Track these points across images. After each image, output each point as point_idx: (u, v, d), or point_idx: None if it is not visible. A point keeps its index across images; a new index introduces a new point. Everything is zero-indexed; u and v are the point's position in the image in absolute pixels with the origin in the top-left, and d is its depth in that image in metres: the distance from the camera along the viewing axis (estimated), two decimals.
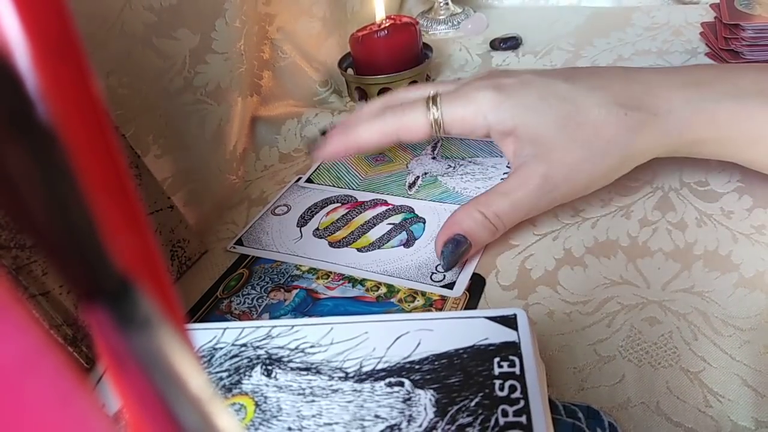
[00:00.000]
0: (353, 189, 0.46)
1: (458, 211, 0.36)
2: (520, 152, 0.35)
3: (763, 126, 0.32)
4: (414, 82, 0.57)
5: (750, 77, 0.33)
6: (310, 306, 0.36)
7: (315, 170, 0.50)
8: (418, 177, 0.46)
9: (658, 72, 0.35)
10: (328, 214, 0.44)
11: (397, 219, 0.42)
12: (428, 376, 0.25)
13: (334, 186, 0.47)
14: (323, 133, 0.40)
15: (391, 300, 0.35)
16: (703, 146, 0.34)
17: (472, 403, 0.23)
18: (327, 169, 0.49)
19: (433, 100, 0.36)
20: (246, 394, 0.26)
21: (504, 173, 0.45)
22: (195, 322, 0.36)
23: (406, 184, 0.46)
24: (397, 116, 0.37)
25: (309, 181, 0.48)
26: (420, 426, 0.23)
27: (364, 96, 0.58)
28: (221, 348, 0.28)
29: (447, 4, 0.75)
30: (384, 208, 0.43)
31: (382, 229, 0.41)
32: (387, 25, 0.57)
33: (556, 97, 0.34)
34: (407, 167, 0.48)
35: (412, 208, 0.43)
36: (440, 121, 0.36)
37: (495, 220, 0.35)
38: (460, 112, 0.36)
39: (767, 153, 0.33)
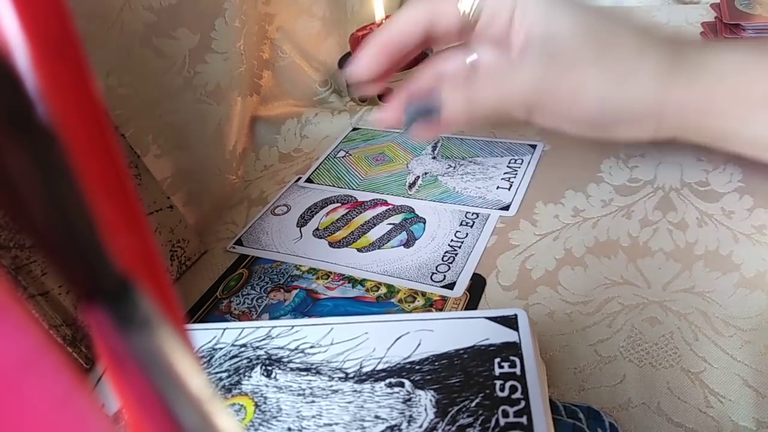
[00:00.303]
0: (353, 189, 0.46)
1: (450, 82, 0.33)
2: (530, 45, 0.31)
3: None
4: None
5: None
6: (310, 306, 0.36)
7: (315, 170, 0.50)
8: (419, 177, 0.46)
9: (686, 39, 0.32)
10: (328, 214, 0.44)
11: (397, 219, 0.42)
12: (428, 377, 0.25)
13: (334, 186, 0.47)
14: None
15: (391, 300, 0.35)
16: (709, 120, 0.31)
17: (473, 404, 0.23)
18: (327, 169, 0.49)
19: None
20: (246, 394, 0.26)
21: (504, 173, 0.45)
22: (194, 322, 0.36)
23: (407, 184, 0.45)
24: (426, 3, 0.33)
25: (309, 181, 0.48)
26: (420, 426, 0.23)
27: (364, 96, 0.58)
28: (221, 348, 0.28)
29: None
30: (384, 208, 0.43)
31: (382, 229, 0.41)
32: None
33: (599, 14, 0.32)
34: (407, 167, 0.47)
35: (413, 208, 0.43)
36: (474, 8, 0.32)
37: (474, 103, 0.33)
38: None
39: None
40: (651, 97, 0.31)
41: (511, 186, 0.43)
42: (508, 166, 0.45)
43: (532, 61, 0.31)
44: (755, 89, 0.30)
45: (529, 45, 0.31)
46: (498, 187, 0.43)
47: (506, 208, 0.41)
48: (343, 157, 0.51)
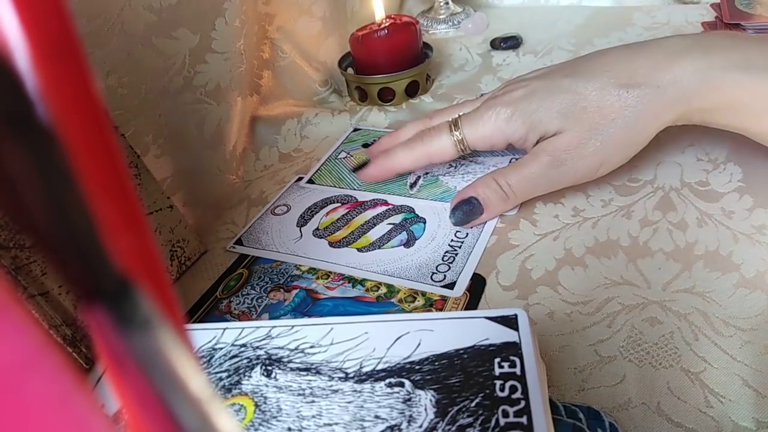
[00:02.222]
0: (354, 189, 0.46)
1: (476, 180, 0.40)
2: (533, 141, 0.38)
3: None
4: (414, 81, 0.57)
5: (760, 49, 0.33)
6: (309, 306, 0.36)
7: (316, 171, 0.50)
8: (419, 176, 0.46)
9: (664, 42, 0.36)
10: (328, 214, 0.44)
11: (397, 219, 0.42)
12: (428, 377, 0.25)
13: (335, 186, 0.47)
14: (364, 163, 0.45)
15: (391, 300, 0.35)
16: (712, 114, 0.35)
17: (473, 404, 0.23)
18: (328, 170, 0.49)
19: (455, 124, 0.40)
20: (246, 394, 0.26)
21: None
22: (194, 322, 0.36)
23: (407, 183, 0.45)
24: (426, 143, 0.41)
25: (310, 181, 0.48)
26: (420, 426, 0.23)
27: (364, 96, 0.58)
28: (221, 348, 0.28)
29: (447, 3, 0.75)
30: (384, 208, 0.43)
31: (382, 229, 0.41)
32: (387, 24, 0.57)
33: (558, 92, 0.36)
34: None
35: (413, 208, 0.43)
36: (464, 141, 0.40)
37: (507, 189, 0.39)
38: (481, 131, 0.39)
39: None
40: (635, 128, 0.36)
41: None
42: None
43: (542, 146, 0.38)
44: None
45: (538, 158, 0.38)
46: None
47: None
48: (344, 158, 0.51)
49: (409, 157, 0.41)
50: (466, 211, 0.39)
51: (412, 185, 0.45)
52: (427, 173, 0.46)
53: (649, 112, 0.35)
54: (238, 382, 0.26)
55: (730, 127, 0.36)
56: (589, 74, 0.36)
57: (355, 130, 0.54)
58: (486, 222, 0.40)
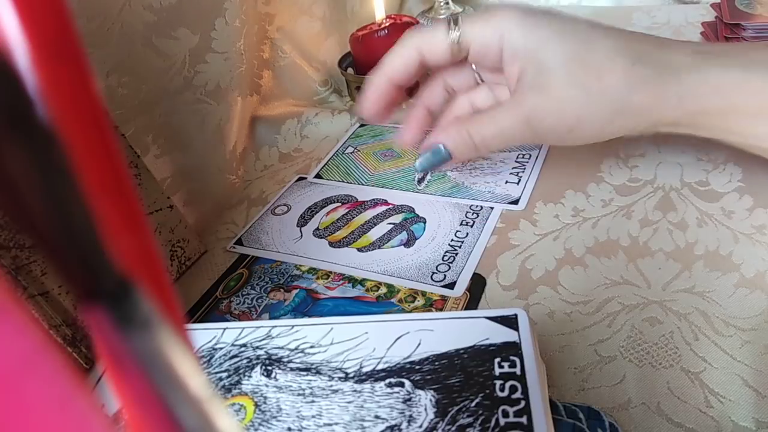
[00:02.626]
0: (362, 184, 0.46)
1: (449, 125, 0.37)
2: (521, 78, 0.35)
3: (766, 98, 0.31)
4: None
5: (763, 51, 0.32)
6: (309, 306, 0.36)
7: (324, 166, 0.50)
8: (427, 173, 0.46)
9: (672, 40, 0.35)
10: (328, 213, 0.44)
11: (397, 219, 0.42)
12: (428, 377, 0.25)
13: (343, 182, 0.47)
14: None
15: (392, 300, 0.35)
16: (704, 118, 0.33)
17: (473, 404, 0.23)
18: (336, 165, 0.49)
19: (455, 21, 0.36)
20: (246, 394, 0.26)
21: (512, 167, 0.45)
22: (194, 322, 0.36)
23: (415, 179, 0.46)
24: (418, 35, 0.36)
25: (318, 176, 0.49)
26: (420, 426, 0.23)
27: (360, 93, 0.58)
28: (221, 348, 0.28)
29: (447, 3, 0.75)
30: (384, 207, 0.43)
31: (382, 228, 0.41)
32: (387, 24, 0.57)
33: (573, 33, 0.34)
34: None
35: (413, 208, 0.43)
36: (460, 41, 0.35)
37: (478, 140, 0.36)
38: (479, 31, 0.35)
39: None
40: (623, 104, 0.34)
41: (519, 180, 0.43)
42: (516, 161, 0.45)
43: (526, 95, 0.34)
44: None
45: (522, 78, 0.35)
46: (507, 182, 0.43)
47: (515, 202, 0.41)
48: (351, 153, 0.51)
49: (396, 55, 0.37)
50: (431, 157, 0.37)
51: (420, 181, 0.45)
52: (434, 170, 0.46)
53: (643, 94, 0.33)
54: (238, 382, 0.26)
55: (720, 132, 0.34)
56: (607, 34, 0.34)
57: (362, 125, 0.54)
58: (486, 222, 0.40)
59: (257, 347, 0.28)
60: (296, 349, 0.27)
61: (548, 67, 0.34)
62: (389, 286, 0.36)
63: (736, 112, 0.32)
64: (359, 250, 0.40)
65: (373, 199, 0.44)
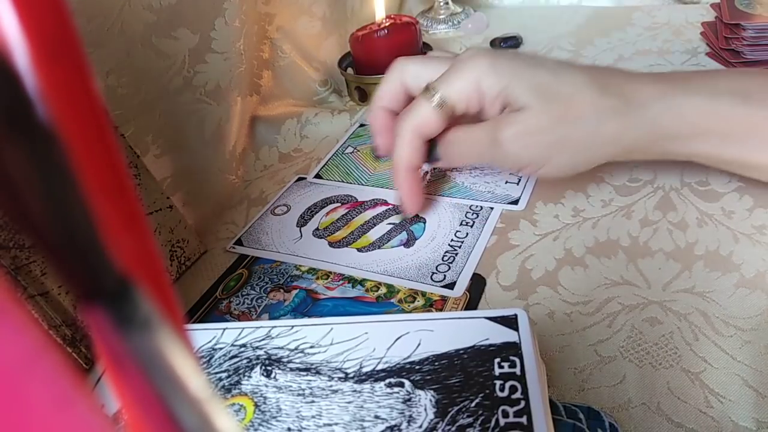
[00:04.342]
0: (362, 184, 0.46)
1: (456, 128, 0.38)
2: (501, 115, 0.37)
3: (734, 122, 0.32)
4: None
5: (725, 78, 0.34)
6: (309, 306, 0.36)
7: (324, 166, 0.50)
8: (427, 172, 0.46)
9: (641, 73, 0.36)
10: (327, 214, 0.44)
11: (397, 219, 0.42)
12: (428, 377, 0.25)
13: (342, 182, 0.47)
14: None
15: (391, 300, 0.35)
16: (673, 143, 0.34)
17: (473, 404, 0.23)
18: (335, 165, 0.49)
19: (430, 88, 0.37)
20: (245, 394, 0.26)
21: None
22: (194, 322, 0.36)
23: None
24: (409, 122, 0.38)
25: (318, 176, 0.49)
26: (420, 427, 0.23)
27: (364, 96, 0.58)
28: (220, 348, 0.28)
29: (447, 3, 0.75)
30: (384, 207, 0.43)
31: (382, 229, 0.41)
32: (387, 24, 0.57)
33: (541, 67, 0.35)
34: None
35: None
36: (444, 103, 0.36)
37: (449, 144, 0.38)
38: (458, 86, 0.36)
39: (737, 151, 0.34)
40: (594, 136, 0.35)
41: (519, 180, 0.43)
42: None
43: (501, 123, 0.36)
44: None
45: (501, 115, 0.36)
46: (507, 182, 0.43)
47: (515, 202, 0.41)
48: (351, 153, 0.51)
49: (404, 148, 0.38)
50: (430, 158, 0.39)
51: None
52: (435, 169, 0.46)
53: (613, 127, 0.34)
54: (238, 382, 0.26)
55: (690, 155, 0.35)
56: (575, 68, 0.35)
57: (362, 125, 0.54)
58: (486, 223, 0.40)
59: (257, 347, 0.28)
60: (296, 349, 0.27)
61: (521, 101, 0.35)
62: (389, 287, 0.36)
63: (704, 136, 0.33)
64: (359, 250, 0.40)
65: (373, 199, 0.44)
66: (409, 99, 0.40)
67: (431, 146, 0.39)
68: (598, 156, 0.36)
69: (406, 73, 0.39)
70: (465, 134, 0.37)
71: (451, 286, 0.36)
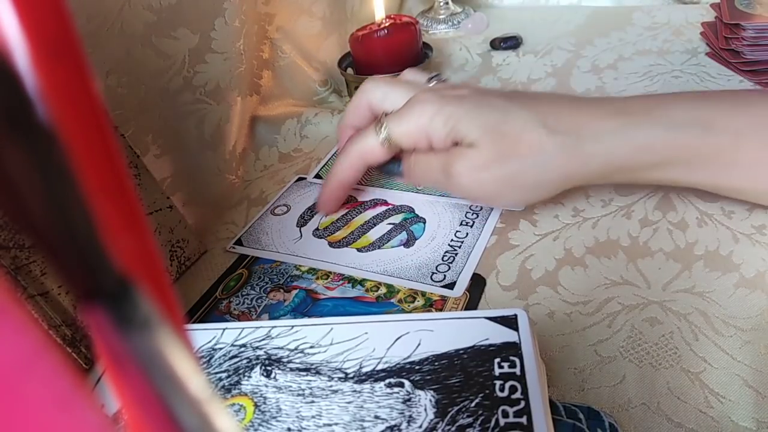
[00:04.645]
0: (362, 184, 0.46)
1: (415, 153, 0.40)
2: (452, 149, 0.37)
3: (694, 151, 0.32)
4: None
5: (682, 106, 0.33)
6: (309, 306, 0.36)
7: (324, 166, 0.50)
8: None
9: (593, 101, 0.36)
10: (327, 214, 0.44)
11: (397, 219, 0.42)
12: (428, 377, 0.25)
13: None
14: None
15: (391, 300, 0.35)
16: (637, 172, 0.35)
17: (473, 404, 0.23)
18: None
19: (380, 123, 0.39)
20: (245, 394, 0.26)
21: None
22: (194, 322, 0.36)
23: None
24: (356, 147, 0.40)
25: (318, 176, 0.49)
26: (420, 427, 0.23)
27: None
28: (220, 348, 0.28)
29: (447, 3, 0.75)
30: (384, 208, 0.43)
31: (382, 229, 0.41)
32: (387, 24, 0.57)
33: (488, 107, 0.36)
34: None
35: (413, 208, 0.43)
36: (390, 138, 0.38)
37: (410, 166, 0.39)
38: (404, 128, 0.38)
39: (703, 174, 0.34)
40: (544, 173, 0.35)
41: None
42: None
43: (454, 157, 0.36)
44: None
45: (452, 150, 0.37)
46: None
47: None
48: None
49: (345, 165, 0.41)
50: (392, 170, 0.41)
51: None
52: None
53: (563, 163, 0.34)
54: (238, 383, 0.26)
55: (659, 180, 0.35)
56: (523, 105, 0.35)
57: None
58: (486, 223, 0.40)
59: (257, 347, 0.28)
60: (296, 349, 0.27)
61: (469, 138, 0.35)
62: (389, 287, 0.36)
63: (668, 165, 0.34)
64: (359, 250, 0.40)
65: (373, 200, 0.44)
66: (374, 118, 0.41)
67: (393, 161, 0.40)
68: (550, 189, 0.37)
69: (372, 95, 0.41)
70: (422, 158, 0.38)
71: (451, 286, 0.36)
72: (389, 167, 0.41)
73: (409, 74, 0.43)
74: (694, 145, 0.32)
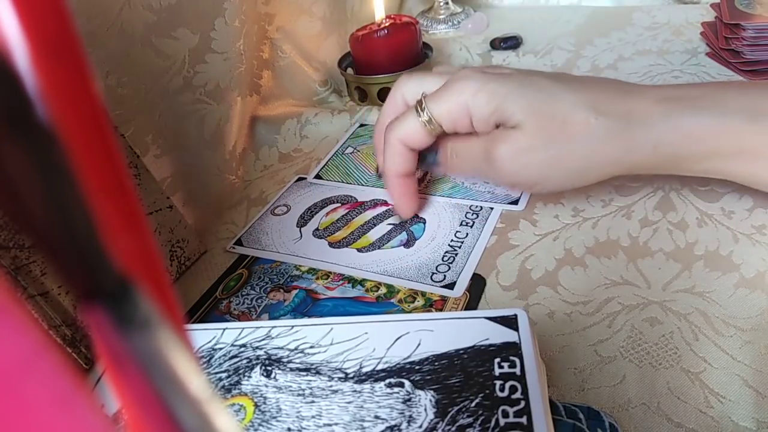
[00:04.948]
0: (362, 185, 0.46)
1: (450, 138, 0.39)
2: (494, 131, 0.36)
3: (744, 141, 0.31)
4: None
5: (733, 94, 0.32)
6: (309, 306, 0.36)
7: (324, 166, 0.50)
8: (427, 172, 0.46)
9: (641, 87, 0.35)
10: (327, 214, 0.44)
11: (397, 219, 0.42)
12: (428, 377, 0.25)
13: (342, 182, 0.47)
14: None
15: (391, 300, 0.35)
16: (685, 162, 0.34)
17: (473, 404, 0.23)
18: (335, 165, 0.49)
19: (420, 103, 0.37)
20: (245, 394, 0.26)
21: None
22: (194, 322, 0.36)
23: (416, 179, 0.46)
24: (396, 132, 0.38)
25: (318, 177, 0.49)
26: (420, 427, 0.23)
27: (364, 96, 0.58)
28: (220, 348, 0.28)
29: (447, 3, 0.75)
30: (384, 208, 0.43)
31: (382, 229, 0.41)
32: (387, 24, 0.57)
33: (533, 88, 0.35)
34: None
35: None
36: (431, 119, 0.37)
37: (449, 155, 0.38)
38: (445, 107, 0.36)
39: (751, 167, 0.33)
40: (591, 157, 0.34)
41: None
42: None
43: (496, 141, 0.35)
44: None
45: (494, 132, 0.36)
46: None
47: (515, 202, 0.41)
48: (351, 153, 0.51)
49: (392, 156, 0.39)
50: (427, 161, 0.40)
51: (420, 181, 0.45)
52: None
53: (611, 147, 0.33)
54: (238, 383, 0.26)
55: (704, 172, 0.34)
56: (569, 86, 0.34)
57: (362, 125, 0.54)
58: (486, 223, 0.40)
59: (257, 347, 0.28)
60: (296, 349, 0.27)
61: (514, 119, 0.34)
62: (389, 287, 0.36)
63: (715, 155, 0.33)
64: (359, 250, 0.40)
65: (373, 200, 0.44)
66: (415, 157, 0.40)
67: (428, 151, 0.39)
68: (596, 175, 0.35)
69: (406, 87, 0.40)
70: (462, 145, 0.37)
71: (451, 286, 0.36)
72: (426, 158, 0.39)
73: (441, 68, 0.42)
74: (742, 135, 0.31)
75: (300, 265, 0.39)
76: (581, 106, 0.33)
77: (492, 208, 0.41)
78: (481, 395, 0.23)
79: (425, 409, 0.23)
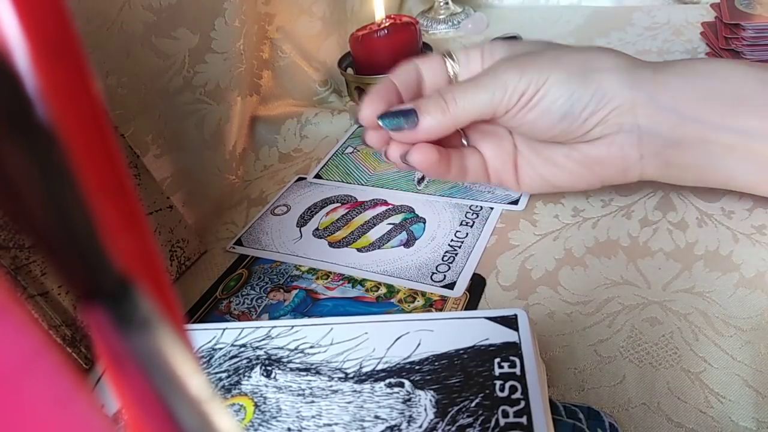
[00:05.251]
0: (362, 185, 0.46)
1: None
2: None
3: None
4: None
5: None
6: (309, 306, 0.36)
7: (323, 166, 0.50)
8: (423, 177, 0.46)
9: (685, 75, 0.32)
10: (327, 214, 0.44)
11: (397, 219, 0.42)
12: (428, 377, 0.25)
13: (342, 182, 0.47)
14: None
15: (391, 300, 0.35)
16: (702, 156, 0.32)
17: (473, 404, 0.23)
18: (335, 165, 0.49)
19: (449, 54, 0.37)
20: (245, 394, 0.26)
21: None
22: (194, 322, 0.36)
23: (415, 179, 0.46)
24: (417, 61, 0.37)
25: (318, 176, 0.49)
26: (420, 427, 0.23)
27: (364, 95, 0.58)
28: (220, 348, 0.28)
29: (447, 3, 0.75)
30: (384, 208, 0.43)
31: (382, 229, 0.41)
32: (387, 24, 0.57)
33: (570, 52, 0.34)
34: None
35: (413, 208, 0.43)
36: (455, 70, 0.37)
37: (451, 106, 0.34)
38: (473, 66, 0.36)
39: None
40: (617, 110, 0.33)
41: None
42: None
43: (501, 70, 0.34)
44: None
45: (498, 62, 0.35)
46: None
47: (515, 202, 0.41)
48: (351, 153, 0.51)
49: (401, 76, 0.37)
50: (398, 119, 0.35)
51: (420, 181, 0.45)
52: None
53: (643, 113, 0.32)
54: (238, 383, 0.26)
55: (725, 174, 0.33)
56: (601, 50, 0.34)
57: (362, 125, 0.54)
58: (486, 223, 0.40)
59: (257, 347, 0.28)
60: (296, 349, 0.27)
61: (545, 74, 0.33)
62: (389, 287, 0.36)
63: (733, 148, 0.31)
64: (359, 250, 0.40)
65: (373, 200, 0.44)
66: (418, 86, 0.38)
67: (403, 110, 0.35)
68: (617, 134, 0.33)
69: (423, 65, 0.38)
70: (466, 90, 0.34)
71: (451, 286, 0.36)
72: (397, 113, 0.36)
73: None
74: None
75: (300, 265, 0.39)
76: (620, 64, 0.33)
77: (492, 208, 0.41)
78: (481, 395, 0.23)
79: (425, 409, 0.23)
